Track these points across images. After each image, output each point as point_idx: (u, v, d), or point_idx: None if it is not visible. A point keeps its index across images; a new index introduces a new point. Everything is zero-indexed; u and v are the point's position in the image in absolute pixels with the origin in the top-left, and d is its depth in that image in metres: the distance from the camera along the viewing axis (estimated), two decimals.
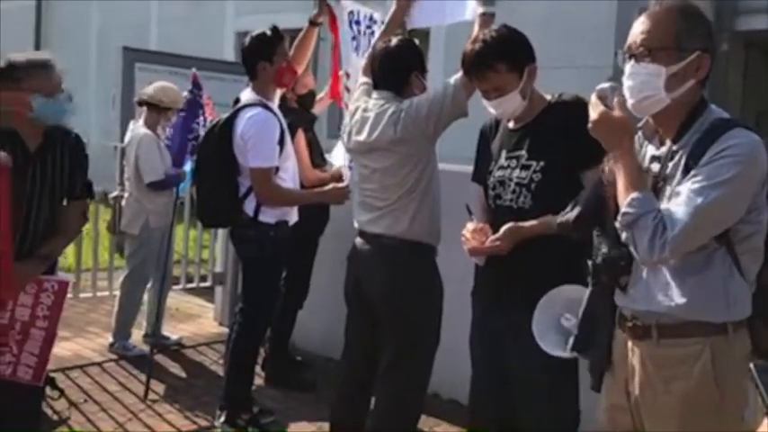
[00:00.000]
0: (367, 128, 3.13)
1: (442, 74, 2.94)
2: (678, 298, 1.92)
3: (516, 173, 2.61)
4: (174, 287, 6.02)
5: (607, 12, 7.67)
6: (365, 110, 3.19)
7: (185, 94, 4.57)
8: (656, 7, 1.97)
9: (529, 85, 2.61)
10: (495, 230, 2.60)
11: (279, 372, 4.53)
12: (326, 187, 3.92)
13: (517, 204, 2.60)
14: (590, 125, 1.99)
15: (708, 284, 1.91)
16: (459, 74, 2.87)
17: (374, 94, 3.20)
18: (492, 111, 2.66)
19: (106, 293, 6.10)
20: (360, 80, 3.39)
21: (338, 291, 3.42)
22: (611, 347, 2.12)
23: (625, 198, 1.90)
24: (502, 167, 2.66)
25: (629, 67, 1.96)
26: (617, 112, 1.95)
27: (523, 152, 2.61)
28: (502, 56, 2.56)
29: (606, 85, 2.00)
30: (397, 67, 3.15)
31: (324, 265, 4.54)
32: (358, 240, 3.26)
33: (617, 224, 1.93)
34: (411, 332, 3.16)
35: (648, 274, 1.98)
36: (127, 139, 5.18)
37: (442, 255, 3.20)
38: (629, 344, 2.05)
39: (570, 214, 2.23)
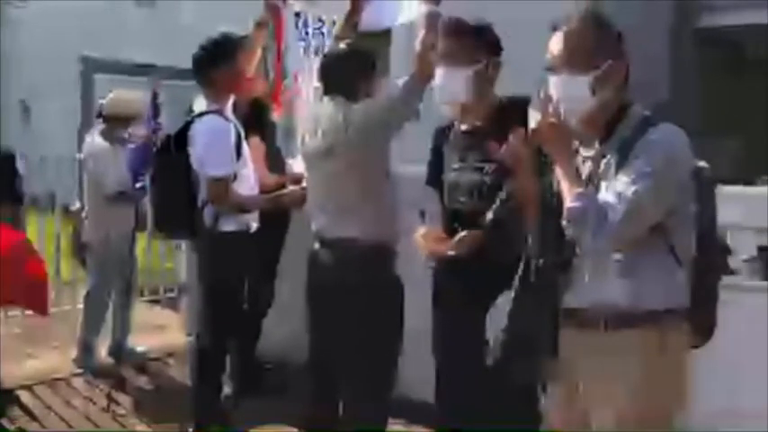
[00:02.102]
0: (319, 132, 3.13)
1: (405, 73, 2.95)
2: (621, 289, 2.05)
3: (469, 176, 2.62)
4: (139, 298, 5.96)
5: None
6: (317, 114, 3.19)
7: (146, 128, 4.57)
8: (569, 22, 2.13)
9: (486, 72, 2.61)
10: (451, 234, 2.61)
11: (247, 380, 4.51)
12: (284, 190, 3.91)
13: (471, 207, 2.61)
14: (530, 134, 2.12)
15: (649, 275, 2.04)
16: (410, 76, 2.87)
17: (325, 99, 3.19)
18: (435, 82, 2.68)
19: (69, 307, 6.02)
20: (314, 84, 3.39)
21: (303, 295, 3.40)
22: (556, 343, 2.19)
23: (569, 195, 2.03)
24: (455, 170, 2.67)
25: (551, 80, 2.12)
26: (552, 120, 2.09)
27: (476, 154, 2.62)
28: (474, 28, 2.64)
29: (541, 94, 2.13)
30: (346, 72, 3.14)
31: (288, 270, 4.52)
32: (316, 245, 3.25)
33: (563, 220, 2.04)
34: (373, 333, 3.16)
35: (592, 267, 2.09)
36: (84, 151, 5.12)
37: (403, 257, 3.21)
38: (577, 336, 2.14)
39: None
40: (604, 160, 2.10)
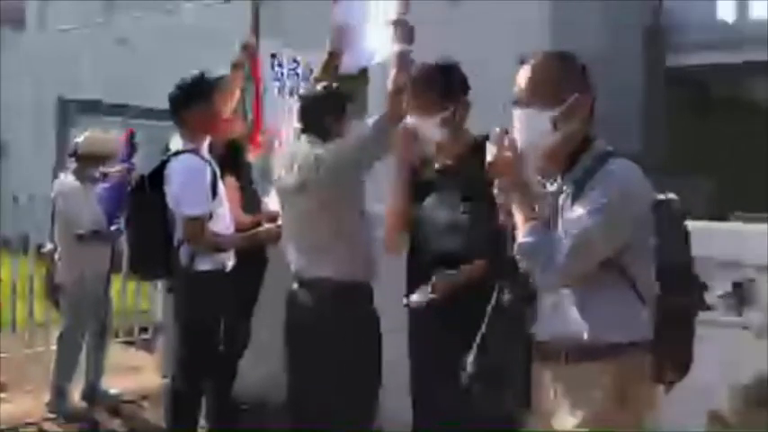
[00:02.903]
0: (295, 171, 3.18)
1: (382, 111, 3.01)
2: (581, 324, 2.06)
3: (444, 214, 2.63)
4: (114, 340, 5.87)
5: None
6: (293, 153, 3.25)
7: (117, 167, 4.55)
8: (537, 57, 2.16)
9: (453, 118, 2.65)
10: (426, 271, 2.61)
11: (223, 421, 4.43)
12: (257, 229, 3.91)
13: (446, 247, 2.61)
14: (486, 166, 2.15)
15: (608, 310, 2.05)
16: (381, 114, 2.92)
17: (302, 138, 3.26)
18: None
19: (42, 349, 5.91)
20: (292, 124, 3.44)
21: (281, 335, 3.38)
22: (529, 375, 2.19)
23: (521, 230, 2.07)
24: (429, 209, 2.68)
25: (516, 113, 2.13)
26: (508, 153, 2.12)
27: (451, 193, 2.64)
28: (441, 75, 2.67)
29: (497, 129, 2.15)
30: (320, 112, 3.23)
31: (266, 309, 4.49)
32: (294, 284, 3.25)
33: (515, 254, 2.07)
34: (351, 372, 3.15)
35: (555, 303, 2.11)
36: (54, 189, 5.08)
37: (381, 293, 3.20)
38: (542, 367, 2.15)
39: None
40: (562, 195, 2.12)
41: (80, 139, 5.08)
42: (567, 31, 8.77)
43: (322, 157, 3.09)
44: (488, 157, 2.14)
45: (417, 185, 2.80)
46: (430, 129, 2.67)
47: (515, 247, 2.06)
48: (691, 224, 2.27)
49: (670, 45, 10.83)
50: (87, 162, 4.97)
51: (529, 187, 2.16)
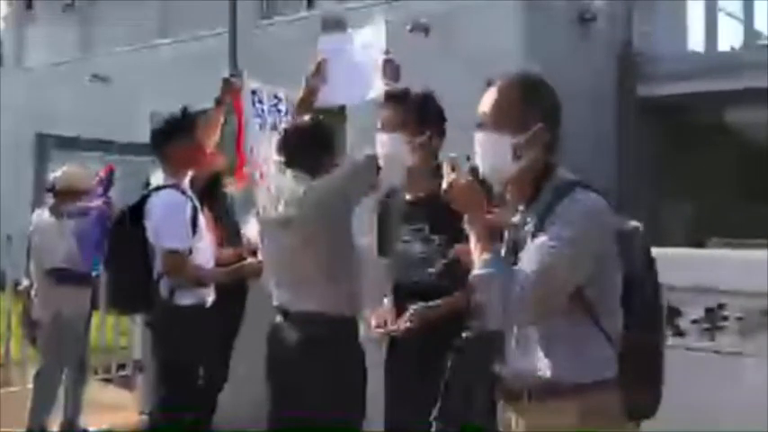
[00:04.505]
0: (280, 205, 3.16)
1: (361, 149, 3.03)
2: (542, 361, 1.97)
3: (419, 247, 2.64)
4: (92, 377, 5.81)
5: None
6: (278, 187, 3.23)
7: (97, 202, 4.54)
8: (503, 80, 2.08)
9: (429, 144, 2.68)
10: (402, 303, 2.61)
11: None
12: (240, 263, 3.91)
13: (422, 279, 2.62)
14: (443, 192, 2.07)
15: (569, 347, 1.96)
16: (368, 150, 2.94)
17: (287, 172, 3.24)
18: (378, 147, 2.73)
19: (19, 387, 5.83)
20: (273, 158, 3.44)
21: (262, 368, 3.37)
22: (494, 416, 2.13)
23: (478, 261, 1.97)
24: (404, 242, 2.69)
25: (478, 137, 2.06)
26: (464, 180, 2.04)
27: (425, 225, 2.65)
28: (420, 100, 2.70)
29: (454, 154, 2.11)
30: (306, 146, 3.20)
31: (247, 341, 4.47)
32: (277, 318, 3.24)
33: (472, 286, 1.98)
34: (335, 406, 3.14)
35: (516, 340, 2.03)
36: (31, 226, 5.06)
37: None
38: (507, 407, 2.08)
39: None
40: (525, 226, 2.03)
41: (57, 174, 5.07)
42: (539, 59, 8.92)
43: (309, 193, 3.06)
44: (445, 183, 2.07)
45: (390, 217, 2.81)
46: (404, 148, 2.67)
47: (470, 279, 1.97)
48: (663, 251, 2.26)
49: (642, 75, 11.06)
50: (64, 197, 4.95)
51: (484, 216, 2.06)
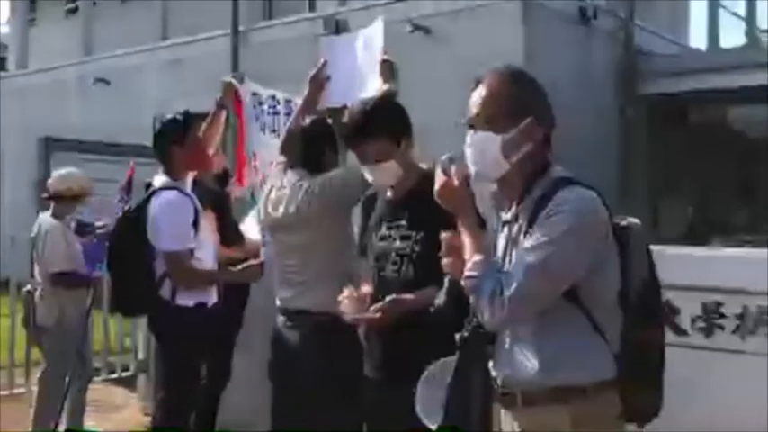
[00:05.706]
0: (283, 205, 3.19)
1: None
2: (536, 364, 1.93)
3: (397, 244, 2.66)
4: (96, 378, 5.84)
5: None
6: (280, 187, 3.26)
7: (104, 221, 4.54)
8: (491, 76, 2.03)
9: (405, 155, 2.71)
10: (381, 299, 2.62)
11: None
12: (242, 265, 3.93)
13: (400, 275, 2.63)
14: (434, 194, 2.06)
15: (564, 348, 1.92)
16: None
17: (289, 173, 3.27)
18: (369, 178, 2.76)
19: (23, 390, 5.86)
20: (277, 159, 3.47)
21: (265, 368, 3.39)
22: (489, 417, 2.08)
23: (468, 263, 1.94)
24: (383, 238, 2.72)
25: (467, 136, 2.02)
26: (455, 181, 2.02)
27: (403, 222, 2.67)
28: (381, 126, 2.69)
29: (445, 156, 2.07)
30: (310, 146, 3.25)
31: (249, 342, 4.49)
32: (280, 318, 3.27)
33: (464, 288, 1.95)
34: (336, 403, 3.15)
35: (510, 341, 1.99)
36: (35, 230, 5.08)
37: None
38: (502, 411, 2.05)
39: (438, 301, 2.26)
40: (517, 224, 1.99)
41: (51, 179, 5.08)
42: (540, 59, 8.93)
43: (314, 191, 3.10)
44: (436, 185, 2.05)
45: (371, 215, 2.84)
46: (385, 174, 2.73)
47: (462, 281, 1.94)
48: (662, 249, 2.26)
49: (643, 73, 11.06)
50: (62, 201, 4.95)
51: (475, 216, 2.03)
